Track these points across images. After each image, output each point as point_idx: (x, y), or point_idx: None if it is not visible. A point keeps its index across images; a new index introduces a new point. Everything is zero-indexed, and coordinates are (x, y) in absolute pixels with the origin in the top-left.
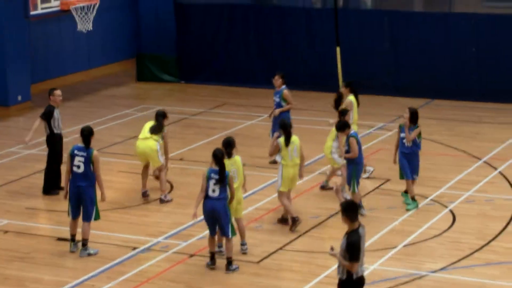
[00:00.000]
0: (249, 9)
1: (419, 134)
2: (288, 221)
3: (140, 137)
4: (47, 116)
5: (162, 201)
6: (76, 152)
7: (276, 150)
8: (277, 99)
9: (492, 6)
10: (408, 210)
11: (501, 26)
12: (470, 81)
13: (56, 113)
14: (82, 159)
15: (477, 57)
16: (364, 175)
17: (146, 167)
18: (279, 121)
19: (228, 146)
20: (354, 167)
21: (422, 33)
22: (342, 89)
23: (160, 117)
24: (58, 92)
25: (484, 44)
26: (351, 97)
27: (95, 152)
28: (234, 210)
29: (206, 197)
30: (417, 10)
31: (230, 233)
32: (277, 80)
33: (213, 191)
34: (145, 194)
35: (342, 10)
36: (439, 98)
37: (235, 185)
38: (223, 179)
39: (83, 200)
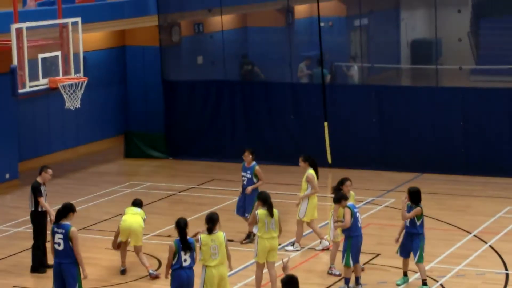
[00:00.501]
0: (236, 85)
1: (420, 215)
2: None
3: (127, 213)
4: (37, 192)
5: (151, 274)
6: (55, 229)
7: (254, 220)
8: (249, 175)
9: (479, 80)
10: (397, 285)
11: (488, 99)
12: (458, 154)
13: (43, 189)
14: (61, 235)
15: (464, 131)
16: (318, 247)
17: (125, 243)
18: (258, 194)
19: (210, 221)
20: (349, 240)
21: (409, 107)
22: (301, 164)
23: (141, 205)
24: (50, 171)
25: (472, 118)
26: (311, 171)
27: (72, 229)
28: (217, 287)
29: (179, 268)
30: (405, 84)
31: None
32: (247, 156)
33: (185, 260)
34: (124, 272)
35: (330, 85)
36: (427, 172)
37: (215, 262)
38: (188, 246)
39: (65, 277)
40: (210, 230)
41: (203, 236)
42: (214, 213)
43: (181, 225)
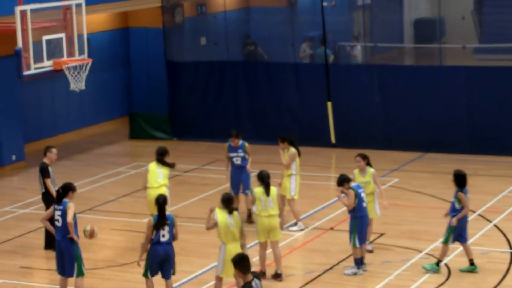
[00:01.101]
0: (239, 66)
1: (461, 199)
2: (281, 276)
3: (152, 186)
4: (44, 173)
5: None
6: (56, 206)
7: (253, 199)
8: (241, 154)
9: (483, 59)
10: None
11: (492, 78)
12: (462, 134)
13: (50, 170)
14: (60, 212)
15: (468, 109)
16: (294, 228)
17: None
18: (258, 173)
19: (227, 202)
20: (354, 220)
21: (413, 86)
22: (281, 145)
23: (164, 155)
24: (54, 150)
25: (475, 97)
26: (293, 149)
27: (69, 204)
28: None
29: (157, 243)
30: (408, 64)
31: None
32: (234, 140)
33: (163, 236)
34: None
35: (333, 65)
36: (431, 151)
37: (232, 240)
38: (163, 223)
39: (64, 255)
40: (231, 211)
41: (220, 215)
42: (228, 193)
43: (160, 202)
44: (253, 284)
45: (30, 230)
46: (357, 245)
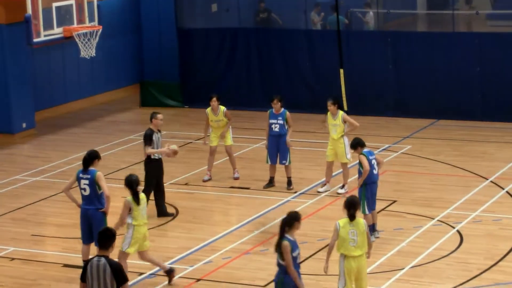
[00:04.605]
0: (251, 33)
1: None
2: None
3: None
4: (146, 140)
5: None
6: (80, 175)
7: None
8: (281, 121)
9: (496, 25)
10: None
11: (505, 45)
12: (475, 100)
13: (155, 137)
14: (87, 181)
15: (481, 76)
16: (321, 189)
17: (214, 150)
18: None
19: (351, 207)
20: (363, 188)
21: (425, 53)
22: (332, 107)
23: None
24: (160, 116)
25: (489, 64)
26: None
27: (98, 173)
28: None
29: None
30: (421, 30)
31: None
32: (276, 104)
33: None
34: (208, 180)
35: (345, 32)
36: (443, 118)
37: (353, 252)
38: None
39: (92, 222)
40: (352, 217)
41: (341, 222)
42: (355, 196)
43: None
44: (95, 259)
45: (41, 198)
46: (366, 211)
